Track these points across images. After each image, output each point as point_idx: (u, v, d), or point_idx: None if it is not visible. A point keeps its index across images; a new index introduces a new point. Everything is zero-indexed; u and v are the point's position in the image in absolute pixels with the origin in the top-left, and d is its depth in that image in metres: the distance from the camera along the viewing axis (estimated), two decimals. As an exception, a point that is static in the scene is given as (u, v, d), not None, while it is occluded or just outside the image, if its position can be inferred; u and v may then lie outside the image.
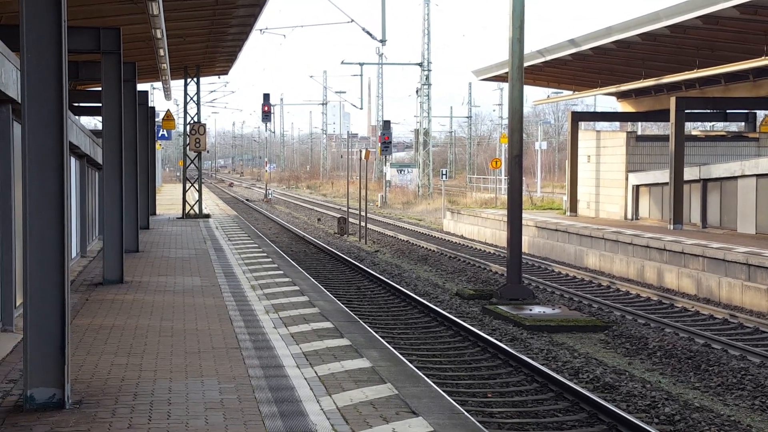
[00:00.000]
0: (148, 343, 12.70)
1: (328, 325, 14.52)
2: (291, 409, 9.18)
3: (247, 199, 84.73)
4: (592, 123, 79.01)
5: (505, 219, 25.92)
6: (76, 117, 28.65)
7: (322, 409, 9.20)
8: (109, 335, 13.29)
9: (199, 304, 16.54)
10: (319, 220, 58.69)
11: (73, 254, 24.18)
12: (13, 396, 9.66)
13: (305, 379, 10.57)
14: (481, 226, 44.77)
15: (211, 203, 63.12)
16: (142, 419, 8.77)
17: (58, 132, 9.17)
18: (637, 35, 30.70)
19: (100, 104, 22.31)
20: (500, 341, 17.49)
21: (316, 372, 11.00)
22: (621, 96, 45.00)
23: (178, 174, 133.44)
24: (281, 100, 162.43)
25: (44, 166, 9.16)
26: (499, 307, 22.13)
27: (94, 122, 57.59)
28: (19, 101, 12.35)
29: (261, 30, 53.47)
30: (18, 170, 13.45)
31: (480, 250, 38.92)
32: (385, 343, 13.80)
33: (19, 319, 13.40)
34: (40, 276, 9.17)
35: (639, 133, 49.27)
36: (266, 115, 67.20)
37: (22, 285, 9.41)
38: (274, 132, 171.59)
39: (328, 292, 19.74)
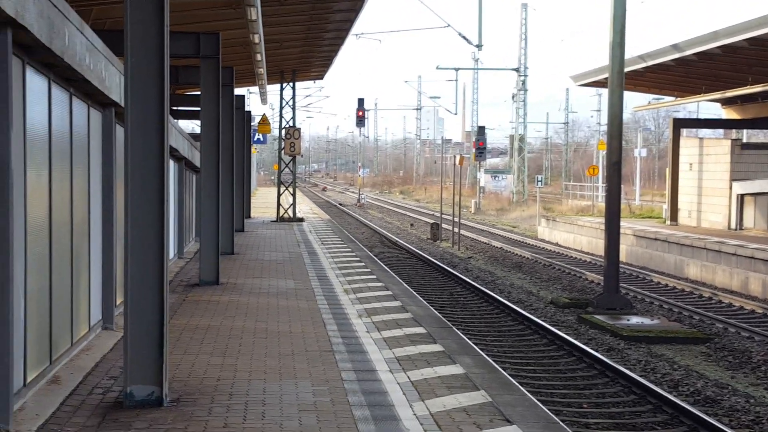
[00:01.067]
0: (243, 344, 12.91)
1: (420, 330, 14.56)
2: (384, 414, 9.24)
3: (340, 204, 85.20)
4: (694, 130, 77.44)
5: (602, 227, 25.65)
6: (175, 120, 29.25)
7: (414, 415, 9.25)
8: (205, 335, 13.55)
9: (293, 307, 16.74)
10: (411, 225, 58.75)
11: (171, 255, 24.66)
12: (113, 392, 9.93)
13: (398, 383, 10.63)
14: (577, 234, 44.31)
15: (305, 207, 63.66)
16: (237, 419, 8.93)
17: (159, 135, 9.39)
18: (745, 40, 30.02)
19: (198, 108, 22.75)
20: (596, 351, 17.32)
21: (408, 377, 11.05)
22: (726, 102, 44.00)
23: (272, 178, 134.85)
24: (375, 105, 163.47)
25: (145, 169, 9.38)
26: (596, 316, 21.89)
27: (191, 126, 58.55)
28: (122, 104, 12.72)
29: (357, 35, 53.69)
30: (120, 173, 13.83)
31: (575, 258, 38.53)
32: (478, 349, 13.78)
33: (119, 318, 13.80)
34: (140, 276, 9.41)
35: (744, 140, 48.19)
36: (360, 120, 67.35)
37: (123, 285, 9.66)
38: (367, 137, 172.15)
39: (420, 298, 19.81)
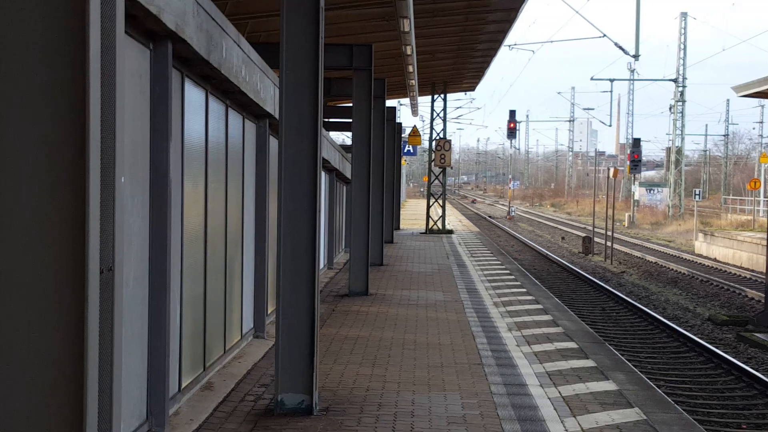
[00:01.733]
0: (392, 355, 12.95)
1: (572, 345, 14.33)
2: (534, 429, 9.09)
3: (489, 216, 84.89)
4: None
5: (764, 242, 24.73)
6: (326, 132, 29.67)
7: (566, 430, 9.09)
8: (354, 345, 13.65)
9: (442, 319, 16.72)
10: (563, 238, 58.01)
11: (321, 265, 25.03)
12: (264, 400, 10.10)
13: (549, 398, 10.47)
14: (736, 249, 42.86)
15: (454, 219, 63.65)
16: (386, 430, 8.93)
17: (312, 146, 9.50)
18: None
19: (349, 120, 22.96)
20: (757, 370, 16.69)
21: (560, 392, 10.87)
22: None
23: (421, 189, 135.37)
24: (527, 116, 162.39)
25: (298, 179, 9.50)
26: (756, 335, 21.09)
27: (342, 137, 59.40)
28: (276, 116, 12.96)
29: (509, 46, 53.56)
30: (273, 183, 14.09)
31: (735, 274, 37.24)
32: (631, 366, 13.47)
33: (271, 327, 14.05)
34: (291, 285, 9.52)
35: None
36: (511, 132, 66.92)
37: (275, 294, 9.81)
38: (518, 149, 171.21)
39: (571, 312, 19.52)
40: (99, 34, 3.26)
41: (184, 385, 9.92)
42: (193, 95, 9.97)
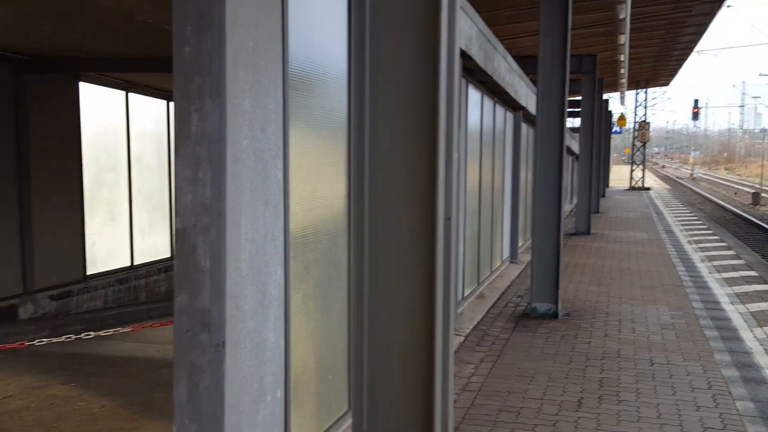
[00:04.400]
0: (612, 278, 12.51)
1: (752, 273, 13.26)
2: (729, 335, 8.49)
3: (677, 177, 79.72)
4: None
5: None
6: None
7: (755, 337, 8.40)
8: (583, 270, 13.30)
9: (648, 252, 15.94)
10: (735, 193, 53.50)
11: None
12: (521, 307, 10.05)
13: (738, 313, 9.72)
14: None
15: (650, 179, 60.35)
16: (613, 330, 8.67)
17: (559, 132, 9.27)
18: None
19: (578, 109, 22.21)
20: None
21: (747, 308, 10.11)
22: None
23: (622, 158, 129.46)
24: (706, 103, 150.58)
25: (548, 156, 9.31)
26: None
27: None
28: (528, 109, 12.70)
29: (698, 51, 49.81)
30: (524, 158, 13.89)
31: None
32: (801, 291, 12.31)
33: (522, 255, 13.91)
34: (543, 225, 9.39)
35: None
36: (695, 115, 62.36)
37: (531, 231, 9.69)
38: (699, 128, 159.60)
39: (749, 248, 18.02)
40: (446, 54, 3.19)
41: (465, 294, 10.05)
42: (473, 96, 9.96)
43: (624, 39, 16.61)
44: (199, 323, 3.27)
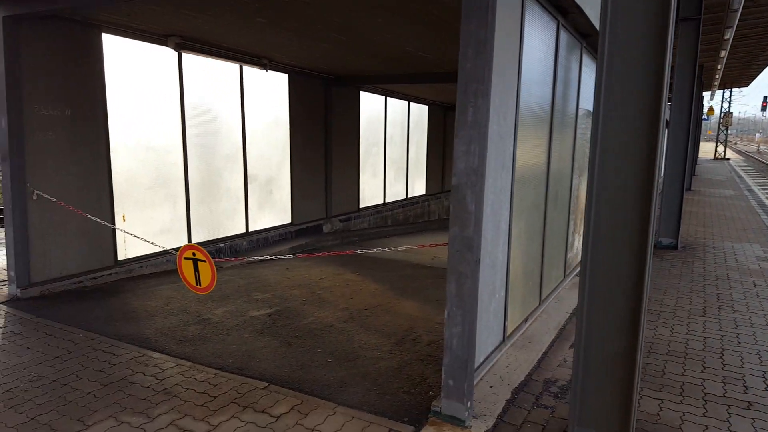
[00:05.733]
0: (713, 222, 10.81)
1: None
2: (822, 269, 7.03)
3: (746, 152, 67.57)
4: None
5: None
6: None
7: None
8: (689, 216, 11.61)
9: (736, 204, 13.61)
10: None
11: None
12: (654, 236, 8.99)
13: (827, 253, 8.04)
14: None
15: (728, 152, 51.62)
16: (719, 259, 7.49)
17: (686, 123, 7.99)
18: None
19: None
20: None
21: (833, 250, 8.28)
22: None
23: (704, 137, 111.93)
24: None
25: (677, 137, 8.10)
26: None
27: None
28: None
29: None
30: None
31: None
32: None
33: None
34: (671, 180, 8.26)
35: None
36: (763, 108, 52.27)
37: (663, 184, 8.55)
38: (765, 117, 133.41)
39: (824, 204, 14.81)
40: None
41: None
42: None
43: (723, 54, 13.94)
44: (466, 246, 3.17)
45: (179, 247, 6.53)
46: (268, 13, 5.19)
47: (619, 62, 2.63)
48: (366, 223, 10.94)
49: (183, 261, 4.19)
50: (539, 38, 4.24)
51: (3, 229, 8.47)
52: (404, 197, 12.74)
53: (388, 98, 11.39)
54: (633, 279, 2.72)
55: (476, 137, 3.05)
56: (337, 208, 9.96)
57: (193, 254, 4.16)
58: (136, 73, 6.05)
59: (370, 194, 11.15)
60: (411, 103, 12.59)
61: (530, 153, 4.30)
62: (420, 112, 13.20)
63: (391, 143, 11.82)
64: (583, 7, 4.65)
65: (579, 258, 6.75)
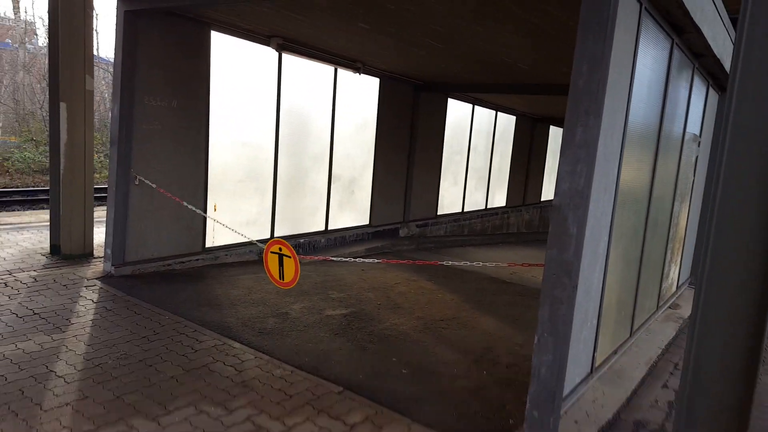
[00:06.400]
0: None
1: None
2: None
3: None
4: None
5: None
6: None
7: None
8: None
9: None
10: None
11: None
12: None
13: None
14: None
15: None
16: None
17: None
18: None
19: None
20: None
21: None
22: None
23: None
24: None
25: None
26: None
27: None
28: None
29: None
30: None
31: None
32: None
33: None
34: None
35: None
36: None
37: None
38: None
39: None
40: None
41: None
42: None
43: None
44: (563, 270, 2.97)
45: (263, 239, 6.80)
46: (371, 18, 5.21)
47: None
48: (442, 230, 10.80)
49: (269, 255, 4.28)
50: (651, 56, 3.93)
51: (104, 209, 8.75)
52: (483, 207, 12.46)
53: (475, 106, 11.19)
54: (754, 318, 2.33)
55: (584, 158, 2.85)
56: (415, 213, 9.92)
57: (280, 249, 4.24)
58: (238, 70, 6.17)
59: (449, 201, 11.00)
60: (498, 113, 12.28)
61: (633, 176, 4.01)
62: (507, 122, 12.85)
63: (474, 152, 11.59)
64: (701, 27, 4.25)
65: (674, 289, 6.20)
